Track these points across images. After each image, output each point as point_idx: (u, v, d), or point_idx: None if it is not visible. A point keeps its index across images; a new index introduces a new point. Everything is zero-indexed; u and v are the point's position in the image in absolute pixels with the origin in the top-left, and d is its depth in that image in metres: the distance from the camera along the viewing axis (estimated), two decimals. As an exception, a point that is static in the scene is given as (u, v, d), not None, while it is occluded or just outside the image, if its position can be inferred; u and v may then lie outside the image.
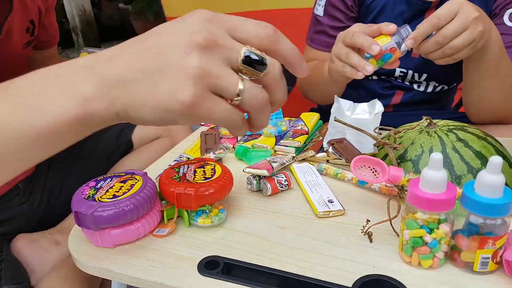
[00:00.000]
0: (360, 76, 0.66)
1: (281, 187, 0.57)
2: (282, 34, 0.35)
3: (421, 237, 0.41)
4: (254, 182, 0.58)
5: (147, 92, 0.31)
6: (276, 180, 0.57)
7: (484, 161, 0.52)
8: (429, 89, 0.94)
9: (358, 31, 0.66)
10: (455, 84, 0.95)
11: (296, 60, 0.35)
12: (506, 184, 0.51)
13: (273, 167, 0.58)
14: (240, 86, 0.31)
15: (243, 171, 0.58)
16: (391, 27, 0.65)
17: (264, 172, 0.57)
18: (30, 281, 0.75)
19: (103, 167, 0.98)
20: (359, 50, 0.67)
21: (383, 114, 0.68)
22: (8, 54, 0.79)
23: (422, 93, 0.94)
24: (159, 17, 2.96)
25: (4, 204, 0.85)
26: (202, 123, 0.84)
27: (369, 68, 0.65)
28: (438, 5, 0.85)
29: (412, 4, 0.86)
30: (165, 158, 0.72)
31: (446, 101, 1.03)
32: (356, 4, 0.90)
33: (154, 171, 0.65)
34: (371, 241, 0.47)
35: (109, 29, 3.76)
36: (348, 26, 0.76)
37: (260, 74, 0.32)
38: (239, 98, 0.32)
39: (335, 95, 0.72)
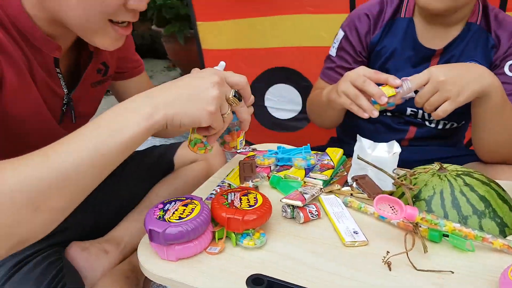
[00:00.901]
0: (366, 116, 0.81)
1: (312, 216, 0.67)
2: (248, 84, 0.66)
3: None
4: (289, 210, 0.68)
5: (187, 107, 0.57)
6: (308, 210, 0.67)
7: (487, 204, 0.62)
8: (440, 126, 1.04)
9: (369, 80, 0.79)
10: (463, 122, 1.05)
11: (248, 97, 0.67)
12: (507, 226, 0.61)
13: (305, 199, 0.68)
14: (228, 109, 0.62)
15: (280, 201, 0.69)
16: (398, 81, 0.79)
17: (299, 203, 0.67)
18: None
19: (147, 184, 1.08)
20: (365, 93, 0.80)
21: (402, 147, 0.79)
22: (85, 97, 0.88)
23: (434, 129, 1.04)
24: (189, 42, 3.13)
25: None
26: (238, 151, 0.95)
27: (376, 113, 0.80)
28: (442, 53, 0.96)
29: (418, 51, 0.98)
30: (210, 182, 0.82)
31: (458, 137, 1.13)
32: (365, 50, 1.03)
33: (202, 193, 0.76)
34: (390, 269, 0.56)
35: (140, 48, 3.95)
36: (354, 68, 0.90)
37: (238, 102, 0.63)
38: (226, 114, 0.62)
39: (357, 135, 0.82)
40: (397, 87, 0.80)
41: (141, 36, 4.17)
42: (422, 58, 0.98)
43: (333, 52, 1.08)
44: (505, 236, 0.62)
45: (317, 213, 0.67)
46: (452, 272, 0.55)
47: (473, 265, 0.57)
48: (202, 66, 1.73)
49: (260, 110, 1.74)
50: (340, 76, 0.95)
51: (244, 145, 0.78)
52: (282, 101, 1.68)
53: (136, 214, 1.02)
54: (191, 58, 3.38)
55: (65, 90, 0.81)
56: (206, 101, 0.58)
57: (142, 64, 1.06)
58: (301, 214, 0.67)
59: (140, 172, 1.09)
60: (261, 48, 1.57)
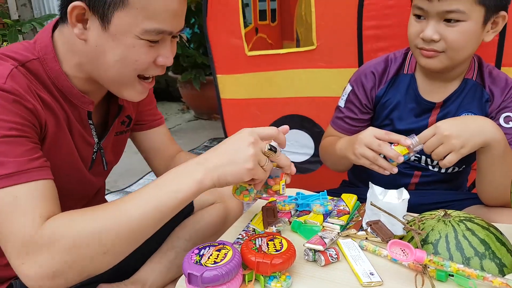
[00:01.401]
0: (387, 173, 0.91)
1: (332, 259, 0.75)
2: (281, 133, 0.78)
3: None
4: (310, 254, 0.76)
5: (229, 169, 0.71)
6: (328, 254, 0.75)
7: (487, 246, 0.70)
8: (443, 170, 1.12)
9: (383, 143, 0.91)
10: (464, 166, 1.13)
11: (283, 144, 0.79)
12: (505, 266, 0.69)
13: (326, 243, 0.76)
14: (266, 161, 0.74)
15: (304, 245, 0.76)
16: (408, 142, 0.90)
17: (320, 247, 0.75)
18: None
19: (168, 227, 1.11)
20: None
21: (409, 191, 0.88)
22: (113, 144, 1.00)
23: (438, 173, 1.13)
24: (204, 87, 3.31)
25: None
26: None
27: (395, 169, 0.91)
28: (442, 106, 1.07)
29: (420, 103, 1.09)
30: (235, 228, 0.91)
31: (461, 180, 1.21)
32: (370, 103, 1.15)
33: (230, 237, 0.85)
34: (402, 306, 0.64)
35: (155, 91, 4.20)
36: (361, 119, 1.10)
37: (273, 154, 0.75)
38: (265, 165, 0.73)
39: (370, 182, 0.91)
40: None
41: (157, 81, 4.39)
42: (424, 110, 1.09)
43: (342, 103, 1.20)
44: (503, 275, 0.69)
45: (336, 256, 0.75)
46: (458, 309, 0.62)
47: (476, 303, 0.64)
48: (220, 113, 1.86)
49: (275, 154, 1.84)
50: (348, 125, 1.14)
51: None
52: (296, 146, 1.78)
53: (159, 256, 1.08)
54: (205, 102, 3.55)
55: (96, 139, 0.92)
56: (244, 161, 0.70)
57: (162, 118, 1.18)
58: (322, 257, 0.75)
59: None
60: (276, 97, 1.70)
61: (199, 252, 0.72)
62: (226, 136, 1.91)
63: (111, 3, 0.73)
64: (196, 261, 0.69)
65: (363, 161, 0.96)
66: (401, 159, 0.90)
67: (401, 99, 1.11)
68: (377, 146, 0.92)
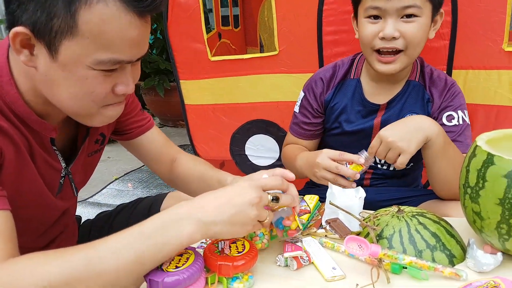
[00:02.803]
0: (353, 186, 0.96)
1: (303, 262, 0.75)
2: (284, 180, 0.75)
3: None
4: (283, 259, 0.76)
5: (228, 229, 0.66)
6: (299, 257, 0.76)
7: (438, 239, 0.74)
8: (391, 168, 1.18)
9: (340, 165, 0.98)
10: (411, 163, 1.18)
11: (285, 189, 0.76)
12: (454, 257, 0.73)
13: (301, 246, 0.77)
14: (267, 215, 0.71)
15: (283, 256, 0.75)
16: (362, 160, 0.96)
17: (300, 253, 0.74)
18: None
19: None
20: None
21: (365, 188, 0.95)
22: (82, 166, 0.93)
23: (387, 170, 1.18)
24: (168, 94, 3.27)
25: None
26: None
27: (354, 185, 0.97)
28: (386, 107, 1.12)
29: (366, 106, 1.15)
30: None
31: (413, 176, 1.27)
32: (321, 107, 1.20)
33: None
34: (359, 298, 0.66)
35: None
36: (314, 123, 1.18)
37: (276, 204, 0.72)
38: (266, 220, 0.71)
39: (329, 183, 0.94)
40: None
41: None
42: (369, 112, 1.15)
43: (297, 109, 1.26)
44: (453, 266, 0.73)
45: (307, 259, 0.76)
46: (411, 299, 0.65)
47: (428, 292, 0.67)
48: (185, 120, 1.85)
49: (241, 159, 1.86)
50: (303, 130, 1.21)
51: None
52: (261, 150, 1.81)
53: None
54: (170, 109, 3.52)
55: (63, 165, 0.85)
56: (245, 222, 0.67)
57: (150, 120, 1.08)
58: (295, 262, 0.75)
59: (130, 224, 1.13)
60: (241, 103, 1.72)
61: (161, 257, 0.72)
62: (192, 144, 1.91)
63: (57, 31, 0.63)
64: (157, 266, 0.69)
65: (323, 182, 1.02)
66: (358, 176, 0.98)
67: (348, 102, 1.17)
68: (335, 168, 0.98)
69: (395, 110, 1.13)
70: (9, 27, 0.65)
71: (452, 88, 1.10)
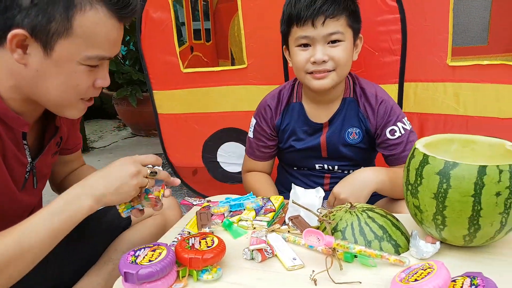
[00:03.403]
0: None
1: (267, 254, 0.83)
2: (158, 157, 0.90)
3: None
4: (249, 253, 0.84)
5: (116, 197, 0.83)
6: (263, 250, 0.84)
7: (384, 231, 0.84)
8: (346, 172, 1.30)
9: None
10: (362, 167, 1.29)
11: (160, 164, 0.91)
12: (400, 246, 0.83)
13: (265, 240, 0.85)
14: (147, 183, 0.87)
15: (249, 249, 0.84)
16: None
17: (263, 245, 0.83)
18: None
19: (106, 240, 1.17)
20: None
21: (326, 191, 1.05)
22: (45, 163, 1.01)
23: (342, 173, 1.30)
24: (141, 104, 3.31)
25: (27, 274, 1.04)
26: (194, 203, 1.12)
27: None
28: (329, 125, 1.26)
29: (310, 126, 1.27)
30: (171, 233, 0.98)
31: None
32: (273, 131, 1.32)
33: (166, 240, 0.92)
34: (316, 284, 0.75)
35: (89, 109, 4.16)
36: (270, 145, 1.30)
37: (155, 176, 0.87)
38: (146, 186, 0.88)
39: (292, 184, 1.03)
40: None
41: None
42: (315, 130, 1.28)
43: (251, 135, 1.37)
44: (399, 254, 0.83)
45: (271, 251, 0.84)
46: (360, 282, 0.75)
47: (375, 276, 0.77)
48: (158, 129, 1.92)
49: (213, 165, 1.93)
50: (262, 153, 1.34)
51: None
52: (233, 157, 1.89)
53: (97, 269, 1.10)
54: (143, 119, 3.55)
55: (29, 159, 0.93)
56: (128, 190, 0.83)
57: (81, 143, 1.22)
58: (259, 254, 0.83)
59: (99, 231, 1.17)
60: (213, 112, 1.80)
61: (135, 253, 0.78)
62: (165, 152, 1.97)
63: (54, 32, 0.76)
64: (132, 261, 0.75)
65: None
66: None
67: (295, 124, 1.29)
68: None
69: (336, 126, 1.25)
70: (4, 28, 0.76)
71: (382, 105, 1.21)
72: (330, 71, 1.14)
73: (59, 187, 1.19)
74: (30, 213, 1.02)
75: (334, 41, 1.13)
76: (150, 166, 0.89)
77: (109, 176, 0.83)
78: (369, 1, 1.40)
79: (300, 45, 1.16)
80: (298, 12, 1.11)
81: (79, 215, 0.80)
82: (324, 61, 1.12)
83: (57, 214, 0.78)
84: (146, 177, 0.86)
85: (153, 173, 0.87)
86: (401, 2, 1.40)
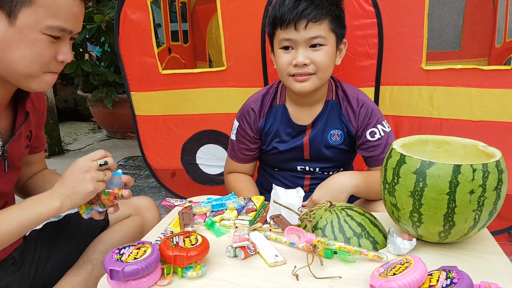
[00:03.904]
0: None
1: (250, 252, 0.85)
2: (106, 152, 0.93)
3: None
4: (232, 250, 0.85)
5: (77, 196, 0.88)
6: (246, 247, 0.85)
7: (363, 228, 0.87)
8: (326, 173, 1.32)
9: None
10: (342, 169, 1.35)
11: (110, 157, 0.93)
12: (377, 243, 0.85)
13: (248, 238, 0.87)
14: (104, 176, 0.90)
15: (232, 247, 0.85)
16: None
17: (246, 243, 0.84)
18: None
19: (84, 241, 1.17)
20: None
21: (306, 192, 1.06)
22: (16, 152, 1.02)
23: (322, 174, 1.33)
24: (116, 106, 3.27)
25: (1, 272, 1.02)
26: (176, 204, 1.12)
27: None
28: (312, 127, 1.28)
29: (293, 128, 1.30)
30: (154, 232, 0.98)
31: None
32: (256, 134, 1.33)
33: (149, 239, 0.92)
34: (297, 279, 0.77)
35: (63, 111, 4.15)
36: (253, 148, 1.31)
37: (106, 165, 0.90)
38: (104, 178, 0.91)
39: (273, 184, 1.05)
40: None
41: (64, 100, 4.23)
42: (298, 132, 1.30)
43: (233, 137, 1.38)
44: (376, 250, 0.86)
45: (254, 249, 0.86)
46: (340, 277, 0.77)
47: (354, 271, 0.79)
48: (136, 131, 1.90)
49: (192, 168, 1.93)
50: (244, 155, 1.35)
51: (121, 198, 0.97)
52: (212, 159, 1.89)
53: (76, 269, 1.11)
54: (118, 121, 3.51)
55: (0, 143, 0.95)
56: (85, 187, 0.88)
57: (45, 144, 1.24)
58: (242, 252, 0.84)
59: (77, 232, 1.17)
60: (192, 114, 1.80)
61: (120, 251, 0.78)
62: (143, 154, 1.95)
63: (18, 1, 0.80)
64: (117, 258, 0.75)
65: None
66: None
67: (278, 126, 1.31)
68: None
69: (319, 128, 1.28)
70: None
71: (363, 106, 1.24)
72: (311, 74, 1.16)
73: (21, 189, 1.18)
74: (4, 204, 1.03)
75: (316, 45, 1.15)
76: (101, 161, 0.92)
77: (67, 178, 0.89)
78: (347, 5, 1.43)
79: (283, 47, 1.17)
80: (281, 14, 1.13)
81: (48, 213, 0.87)
82: (305, 64, 1.14)
83: (28, 209, 0.87)
84: (99, 169, 0.90)
85: (103, 164, 0.90)
86: (378, 7, 1.45)
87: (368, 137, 1.24)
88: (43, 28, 0.83)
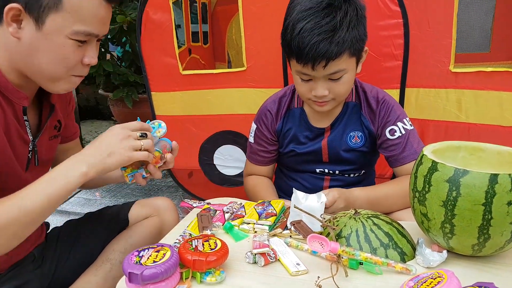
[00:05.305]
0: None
1: (270, 259, 0.82)
2: (145, 124, 0.94)
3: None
4: (252, 256, 0.82)
5: (111, 159, 0.85)
6: (266, 254, 0.82)
7: (390, 238, 0.82)
8: (346, 175, 1.28)
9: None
10: (364, 171, 1.30)
11: (147, 128, 0.94)
12: (406, 254, 0.81)
13: (268, 244, 0.84)
14: (141, 144, 0.89)
15: (252, 253, 0.82)
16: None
17: (267, 249, 0.81)
18: None
19: (103, 240, 1.16)
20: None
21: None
22: (46, 145, 1.03)
23: (342, 176, 1.29)
24: (136, 105, 3.29)
25: (21, 269, 1.02)
26: (194, 205, 1.10)
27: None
28: (331, 129, 1.24)
29: (312, 131, 1.26)
30: (171, 234, 0.96)
31: (369, 182, 1.36)
32: (274, 136, 1.31)
33: (168, 242, 0.90)
34: (321, 290, 0.73)
35: (84, 109, 4.23)
36: (271, 150, 1.28)
37: (145, 137, 0.90)
38: (142, 147, 0.89)
39: (294, 188, 1.02)
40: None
41: (86, 99, 4.29)
42: (316, 135, 1.26)
43: (251, 140, 1.35)
44: (404, 262, 0.82)
45: (274, 256, 0.83)
46: (367, 290, 0.73)
47: (381, 284, 0.75)
48: (155, 130, 1.89)
49: (209, 168, 1.91)
50: (262, 157, 1.33)
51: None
52: (229, 160, 1.87)
53: (94, 269, 1.10)
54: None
55: (31, 137, 0.95)
56: (122, 153, 0.86)
57: (78, 131, 1.24)
58: (262, 258, 0.81)
59: (97, 231, 1.18)
60: (210, 114, 1.78)
61: (139, 253, 0.76)
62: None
63: (46, 6, 0.81)
64: (136, 261, 0.74)
65: None
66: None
67: (296, 129, 1.27)
68: None
69: (338, 130, 1.24)
70: (2, 3, 0.82)
71: (383, 104, 1.19)
72: (331, 99, 1.13)
73: None
74: None
75: (335, 76, 1.08)
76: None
77: (100, 144, 0.87)
78: (371, 5, 1.40)
79: (300, 74, 1.12)
80: (298, 50, 1.04)
81: (74, 181, 0.83)
82: (324, 95, 1.10)
83: (53, 180, 0.83)
84: (137, 138, 0.89)
85: (143, 135, 0.90)
86: (404, 7, 1.40)
87: (388, 136, 1.19)
88: (69, 33, 0.84)
